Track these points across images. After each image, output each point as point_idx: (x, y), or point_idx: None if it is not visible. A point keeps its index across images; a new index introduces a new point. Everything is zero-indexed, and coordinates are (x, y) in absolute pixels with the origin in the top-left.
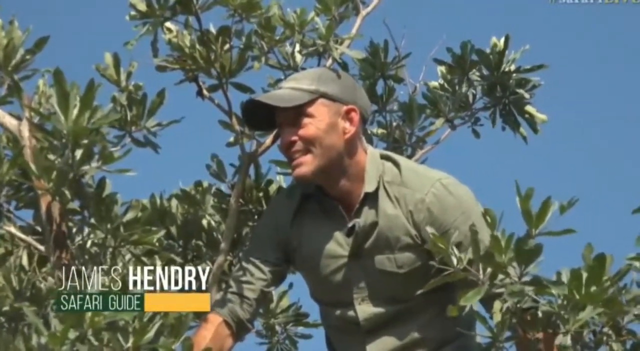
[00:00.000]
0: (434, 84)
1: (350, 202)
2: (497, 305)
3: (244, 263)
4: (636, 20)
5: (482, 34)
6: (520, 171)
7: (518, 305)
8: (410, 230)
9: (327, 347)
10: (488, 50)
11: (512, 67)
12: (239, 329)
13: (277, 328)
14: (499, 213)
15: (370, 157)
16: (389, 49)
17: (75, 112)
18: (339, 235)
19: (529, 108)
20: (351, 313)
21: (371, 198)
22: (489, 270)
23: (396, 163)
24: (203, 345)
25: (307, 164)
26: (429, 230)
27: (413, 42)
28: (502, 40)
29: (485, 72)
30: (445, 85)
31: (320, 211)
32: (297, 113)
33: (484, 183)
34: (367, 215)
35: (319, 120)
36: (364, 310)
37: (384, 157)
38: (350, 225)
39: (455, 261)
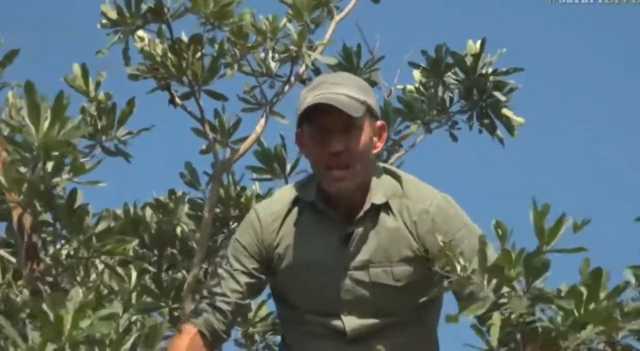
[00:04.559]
0: (409, 87)
1: (351, 212)
2: (496, 317)
3: (220, 273)
4: (637, 20)
5: (460, 36)
6: (498, 174)
7: (521, 319)
8: (412, 243)
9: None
10: (464, 53)
11: (489, 70)
12: (214, 339)
13: (256, 336)
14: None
15: (376, 169)
16: (362, 53)
17: (46, 124)
18: (332, 245)
19: (505, 111)
20: (337, 323)
21: (372, 211)
22: (493, 282)
23: (396, 177)
24: None
25: (351, 179)
26: (439, 238)
27: (388, 46)
28: (478, 43)
29: (461, 75)
30: (421, 88)
31: (313, 220)
32: (350, 123)
33: (460, 186)
34: (366, 227)
35: (365, 134)
36: (352, 321)
37: (384, 170)
38: (349, 231)
39: (459, 269)
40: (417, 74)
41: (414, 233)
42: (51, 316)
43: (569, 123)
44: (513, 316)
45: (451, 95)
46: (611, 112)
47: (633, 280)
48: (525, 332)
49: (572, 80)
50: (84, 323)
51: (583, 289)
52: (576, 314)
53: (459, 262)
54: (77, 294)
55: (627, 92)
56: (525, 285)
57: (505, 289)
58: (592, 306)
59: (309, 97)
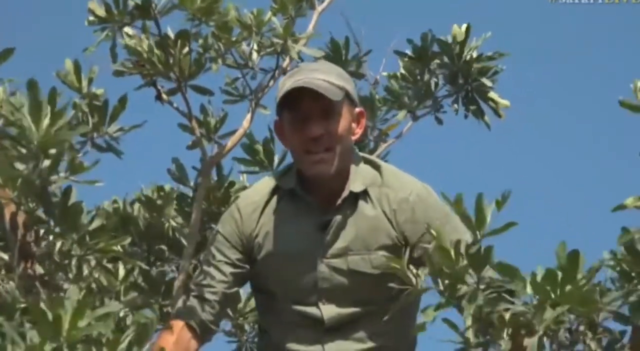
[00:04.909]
0: (394, 73)
1: (329, 200)
2: (467, 313)
3: (205, 266)
4: (637, 20)
5: (445, 21)
6: (483, 161)
7: (483, 310)
8: (391, 231)
9: (259, 342)
10: (449, 38)
11: (474, 54)
12: (202, 331)
13: (246, 327)
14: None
15: (356, 157)
16: (349, 45)
17: (46, 122)
18: (310, 233)
19: (491, 94)
20: (315, 311)
21: (351, 199)
22: (446, 282)
23: (376, 166)
24: (167, 350)
25: (330, 163)
26: (381, 253)
27: (372, 33)
28: (464, 27)
29: (446, 60)
30: (407, 75)
31: (292, 208)
32: (329, 108)
33: (448, 175)
34: (345, 214)
35: (344, 119)
36: (329, 309)
37: (364, 159)
38: (327, 218)
39: (413, 279)
40: (402, 61)
41: (393, 222)
42: (50, 315)
43: (564, 118)
44: (470, 310)
45: (436, 80)
46: (610, 112)
47: (611, 262)
48: (491, 323)
49: (570, 79)
50: (82, 323)
51: (559, 272)
52: (552, 296)
53: (410, 271)
54: (75, 293)
55: (626, 91)
56: (475, 276)
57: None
58: (568, 288)
59: (288, 83)
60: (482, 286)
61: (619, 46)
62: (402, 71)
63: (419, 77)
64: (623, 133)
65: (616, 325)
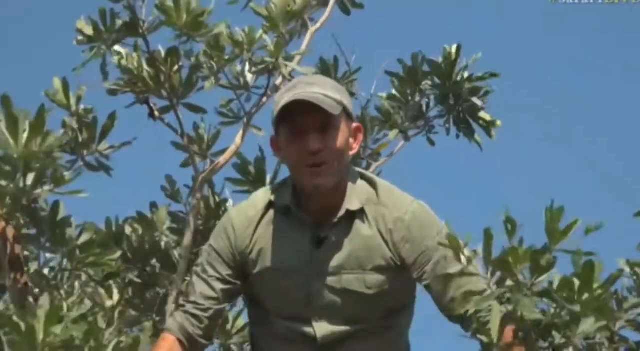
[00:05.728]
0: (385, 95)
1: (325, 217)
2: (496, 310)
3: (195, 280)
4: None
5: (437, 42)
6: (476, 180)
7: (527, 316)
8: (386, 252)
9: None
10: (440, 59)
11: (465, 75)
12: (191, 345)
13: (234, 347)
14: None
15: (352, 174)
16: (339, 64)
17: (25, 136)
18: (305, 251)
19: (482, 114)
20: (307, 329)
21: (347, 217)
22: (497, 274)
23: (372, 183)
24: None
25: (329, 175)
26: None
27: (364, 55)
28: (454, 47)
29: (437, 80)
30: (398, 96)
31: (286, 225)
32: (327, 122)
33: (439, 193)
34: (340, 233)
35: (342, 133)
36: (323, 327)
37: (360, 176)
38: (322, 236)
39: (464, 260)
40: (393, 81)
41: (389, 242)
42: (22, 326)
43: (563, 123)
44: (520, 313)
45: (427, 100)
46: (610, 111)
47: (627, 269)
48: (528, 328)
49: (570, 80)
50: (57, 329)
51: (575, 280)
52: (570, 305)
53: (463, 254)
54: (46, 302)
55: (627, 91)
56: (530, 281)
57: (508, 282)
58: (585, 296)
59: (286, 97)
60: (534, 291)
61: (619, 47)
62: (393, 92)
63: (410, 98)
64: (630, 139)
65: (633, 335)
